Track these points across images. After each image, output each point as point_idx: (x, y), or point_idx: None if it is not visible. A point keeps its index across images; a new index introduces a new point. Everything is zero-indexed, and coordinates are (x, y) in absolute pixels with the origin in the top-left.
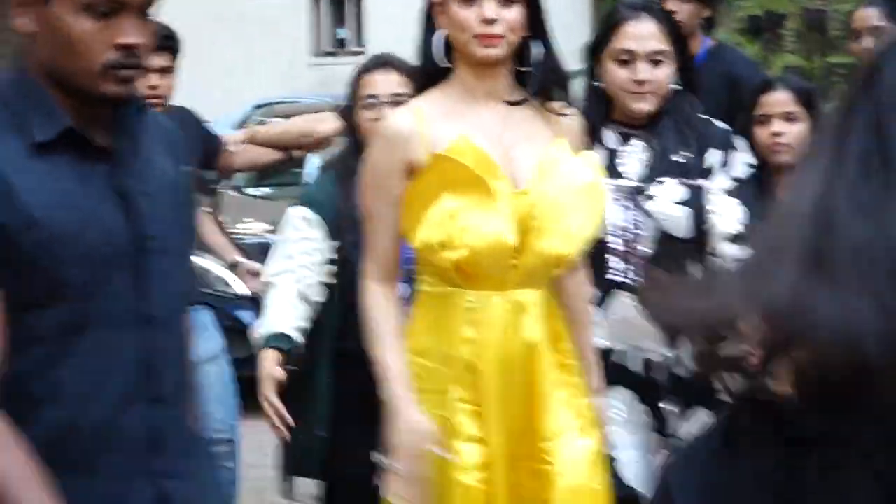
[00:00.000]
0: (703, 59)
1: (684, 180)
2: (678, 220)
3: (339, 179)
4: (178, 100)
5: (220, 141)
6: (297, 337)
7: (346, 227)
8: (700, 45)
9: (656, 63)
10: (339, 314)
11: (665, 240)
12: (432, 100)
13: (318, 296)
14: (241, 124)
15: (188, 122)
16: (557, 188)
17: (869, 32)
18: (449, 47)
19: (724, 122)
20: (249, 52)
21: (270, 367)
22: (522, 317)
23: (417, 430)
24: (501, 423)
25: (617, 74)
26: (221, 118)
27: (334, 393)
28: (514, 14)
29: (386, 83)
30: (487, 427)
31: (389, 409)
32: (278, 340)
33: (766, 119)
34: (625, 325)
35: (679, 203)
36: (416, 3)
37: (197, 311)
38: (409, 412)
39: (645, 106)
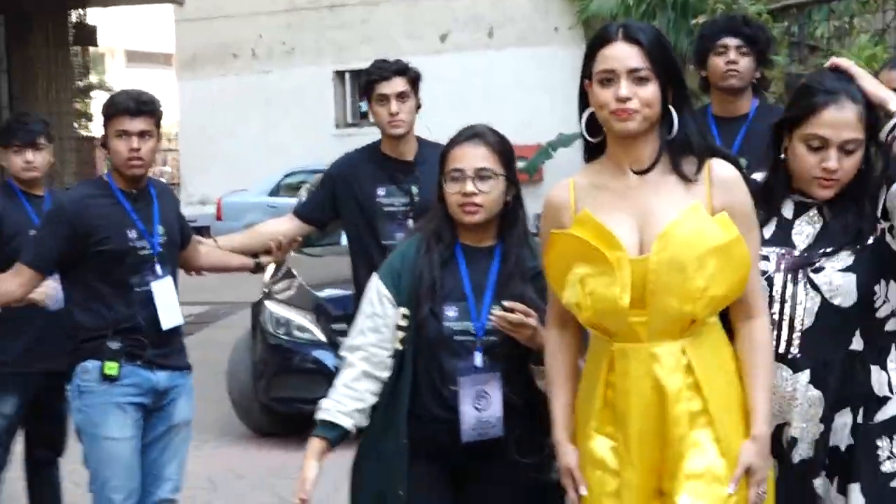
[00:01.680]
0: (752, 116)
1: (854, 248)
2: (844, 289)
3: (423, 246)
4: (217, 170)
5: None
6: (350, 424)
7: (424, 295)
8: (750, 103)
9: (848, 153)
10: (411, 380)
11: (828, 311)
12: (587, 171)
13: (388, 370)
14: (275, 191)
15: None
16: (679, 251)
17: None
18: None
19: None
20: (280, 125)
21: (312, 458)
22: (655, 366)
23: (567, 474)
24: (638, 462)
25: (806, 159)
26: (256, 185)
27: (411, 456)
28: (649, 91)
29: (472, 157)
30: (623, 461)
31: (555, 450)
32: (327, 430)
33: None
34: (776, 398)
35: (845, 270)
36: (430, 80)
37: (185, 377)
38: (564, 457)
39: (828, 193)
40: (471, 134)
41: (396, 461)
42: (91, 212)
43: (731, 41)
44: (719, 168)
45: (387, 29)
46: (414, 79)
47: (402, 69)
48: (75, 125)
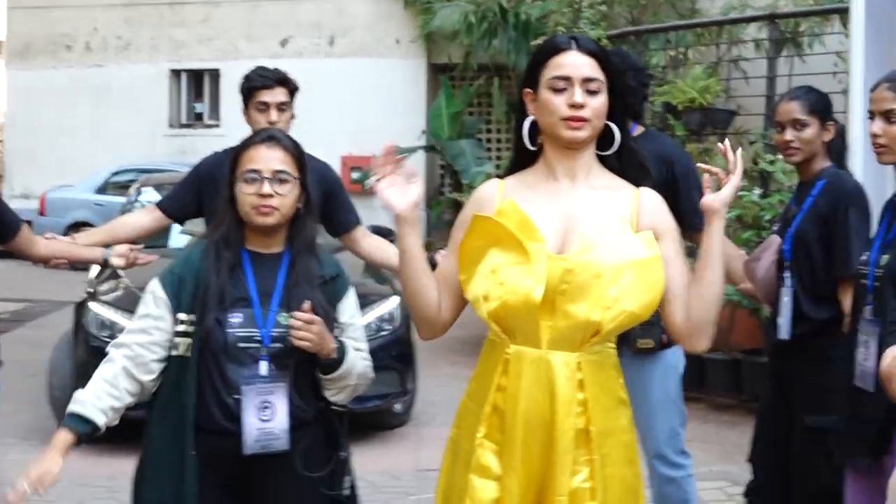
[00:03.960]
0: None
1: None
2: None
3: (210, 253)
4: (44, 164)
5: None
6: (103, 422)
7: (209, 302)
8: (628, 130)
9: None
10: (197, 389)
11: None
12: (518, 176)
13: (151, 374)
14: (102, 188)
15: None
16: (598, 259)
17: (791, 125)
18: (537, 133)
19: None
20: (111, 122)
21: (56, 452)
22: (550, 374)
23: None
24: (521, 468)
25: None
26: (82, 182)
27: (198, 468)
28: (599, 102)
29: (269, 159)
30: (506, 467)
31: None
32: (78, 423)
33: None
34: None
35: None
36: None
37: None
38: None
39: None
40: (267, 136)
41: (183, 474)
42: None
43: None
44: (649, 195)
45: (227, 30)
46: (293, 90)
47: (284, 79)
48: None
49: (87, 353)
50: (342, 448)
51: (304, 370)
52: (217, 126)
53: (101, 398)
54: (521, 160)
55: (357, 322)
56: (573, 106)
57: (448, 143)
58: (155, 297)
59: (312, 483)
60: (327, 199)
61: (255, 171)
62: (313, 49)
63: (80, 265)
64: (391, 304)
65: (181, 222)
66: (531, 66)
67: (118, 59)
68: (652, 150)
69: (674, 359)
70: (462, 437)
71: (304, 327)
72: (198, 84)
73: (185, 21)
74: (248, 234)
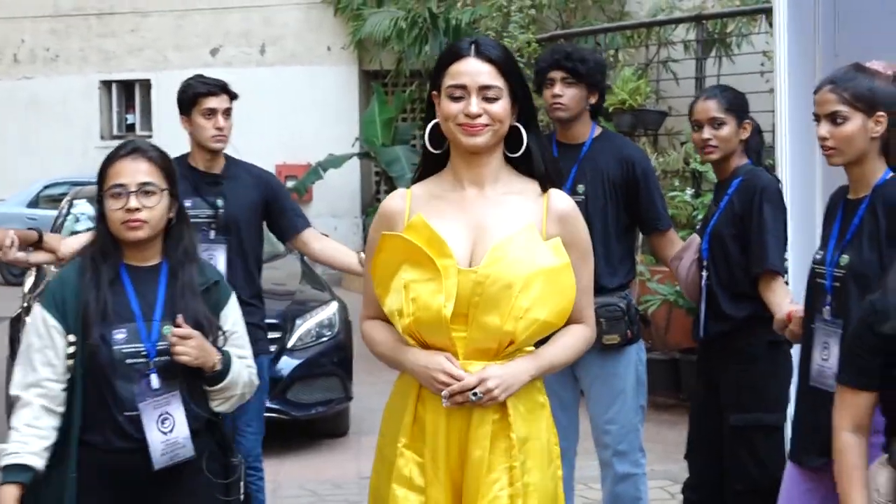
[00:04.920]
0: (588, 144)
1: None
2: None
3: (87, 269)
4: None
5: None
6: (41, 464)
7: (91, 319)
8: (588, 131)
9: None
10: (82, 409)
11: None
12: (426, 184)
13: (64, 404)
14: (34, 202)
15: None
16: (508, 268)
17: (709, 123)
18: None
19: (620, 195)
20: (41, 134)
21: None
22: None
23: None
24: (445, 478)
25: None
26: (14, 196)
27: (82, 487)
28: (499, 107)
29: (134, 172)
30: (429, 478)
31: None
32: (18, 474)
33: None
34: None
35: None
36: None
37: None
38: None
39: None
40: (132, 148)
41: (64, 495)
42: None
43: (557, 74)
44: (558, 199)
45: (156, 40)
46: (233, 98)
47: (226, 86)
48: None
49: None
50: (234, 454)
51: (194, 379)
52: (150, 136)
53: (29, 443)
54: (429, 166)
55: (241, 330)
56: (469, 115)
57: (382, 150)
58: (46, 325)
59: (213, 490)
60: (270, 205)
61: (120, 185)
62: (244, 58)
63: (12, 278)
64: (330, 310)
65: None
66: (435, 70)
67: (47, 70)
68: (611, 151)
69: (636, 354)
70: (385, 445)
71: (181, 342)
72: (129, 95)
73: (114, 32)
74: (125, 249)
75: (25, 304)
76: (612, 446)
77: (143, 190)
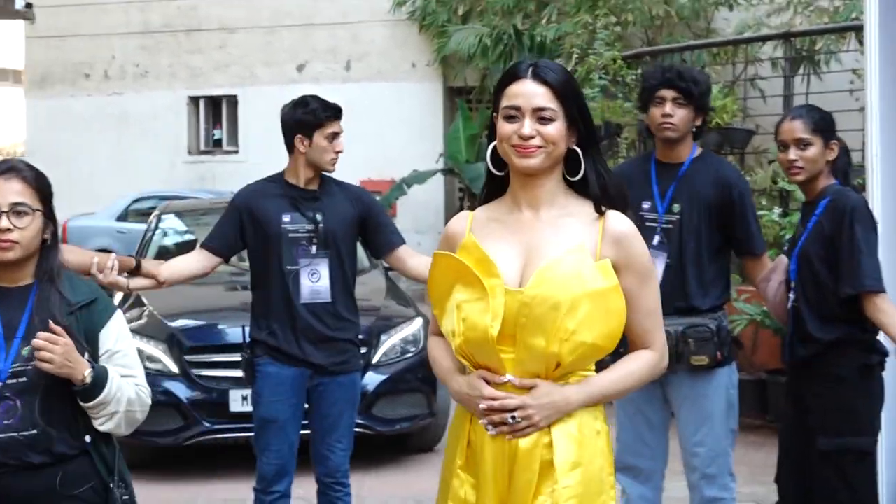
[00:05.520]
0: (688, 164)
1: None
2: None
3: None
4: (65, 192)
5: None
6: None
7: None
8: (689, 150)
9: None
10: None
11: None
12: (488, 207)
13: None
14: (123, 215)
15: None
16: (554, 289)
17: (795, 144)
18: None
19: (715, 216)
20: (131, 149)
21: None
22: None
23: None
24: (493, 498)
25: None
26: (104, 210)
27: None
28: (553, 129)
29: (6, 192)
30: (483, 499)
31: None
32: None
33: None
34: None
35: None
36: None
37: None
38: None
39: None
40: (6, 168)
41: None
42: None
43: (668, 93)
44: (615, 220)
45: (243, 56)
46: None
47: (341, 110)
48: None
49: None
50: (116, 479)
51: (60, 403)
52: (236, 152)
53: None
54: (493, 188)
55: (126, 348)
56: (521, 137)
57: (466, 166)
58: None
59: None
60: (366, 221)
61: None
62: (330, 74)
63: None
64: (415, 326)
65: (228, 259)
66: (494, 92)
67: (136, 86)
68: (709, 172)
69: (728, 377)
70: (445, 466)
71: (46, 346)
72: (216, 110)
73: (201, 48)
74: None
75: None
76: (701, 469)
77: (15, 210)
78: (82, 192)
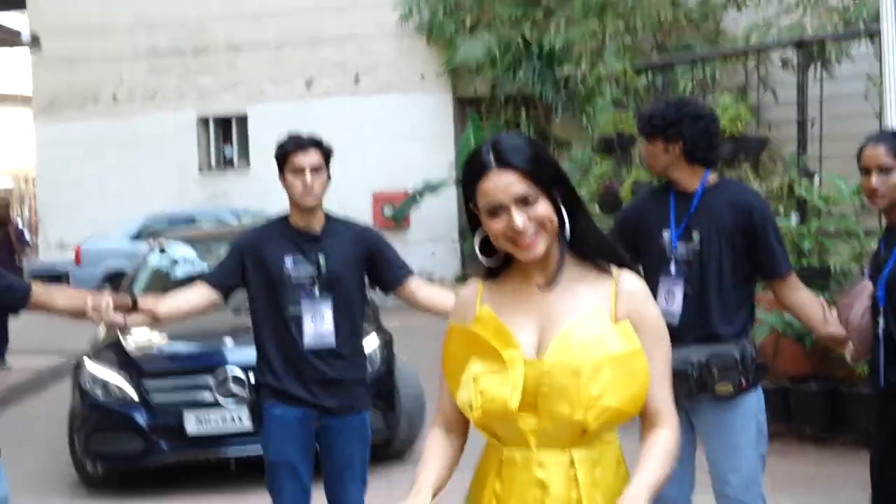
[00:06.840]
0: (701, 191)
1: None
2: None
3: None
4: (77, 215)
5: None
6: None
7: None
8: (694, 178)
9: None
10: None
11: None
12: (499, 277)
13: None
14: (136, 236)
15: None
16: (575, 355)
17: (877, 170)
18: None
19: (737, 243)
20: (142, 170)
21: None
22: (541, 474)
23: None
24: None
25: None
26: (117, 231)
27: None
28: (542, 208)
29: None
30: None
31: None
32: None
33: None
34: None
35: None
36: (296, 126)
37: None
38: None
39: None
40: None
41: None
42: None
43: (641, 137)
44: (626, 280)
45: (252, 74)
46: (327, 153)
47: (318, 142)
48: None
49: (82, 408)
50: None
51: None
52: (248, 169)
53: None
54: (492, 270)
55: None
56: (515, 231)
57: None
58: None
59: None
60: (372, 259)
61: None
62: (339, 88)
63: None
64: (371, 345)
65: (227, 296)
66: (463, 184)
67: (145, 108)
68: (727, 199)
69: (756, 402)
70: None
71: None
72: (226, 128)
73: (209, 68)
74: None
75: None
76: (733, 497)
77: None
78: (94, 214)
